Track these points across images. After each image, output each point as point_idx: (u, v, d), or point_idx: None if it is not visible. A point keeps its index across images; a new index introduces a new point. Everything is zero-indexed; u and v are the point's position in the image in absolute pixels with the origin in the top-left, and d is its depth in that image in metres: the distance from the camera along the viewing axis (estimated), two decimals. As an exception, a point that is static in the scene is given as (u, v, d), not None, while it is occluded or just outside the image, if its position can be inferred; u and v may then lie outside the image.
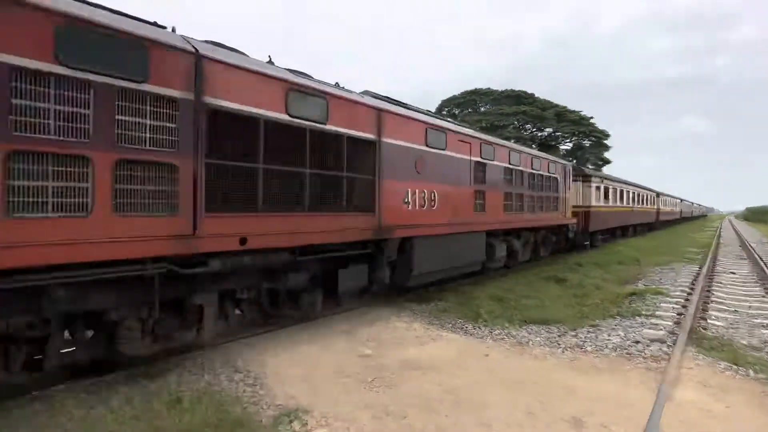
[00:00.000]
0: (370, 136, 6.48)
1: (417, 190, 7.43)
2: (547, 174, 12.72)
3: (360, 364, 4.90)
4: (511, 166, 10.54)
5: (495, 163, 9.84)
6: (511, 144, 11.46)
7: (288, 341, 5.60)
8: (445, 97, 44.60)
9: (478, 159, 9.21)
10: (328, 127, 5.80)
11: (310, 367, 4.73)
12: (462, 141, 8.70)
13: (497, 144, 10.07)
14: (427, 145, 7.69)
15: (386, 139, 6.78)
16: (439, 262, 7.98)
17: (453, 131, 8.50)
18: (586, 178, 17.22)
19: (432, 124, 7.93)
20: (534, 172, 11.78)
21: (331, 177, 5.82)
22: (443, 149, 8.13)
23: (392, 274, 7.28)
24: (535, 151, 12.75)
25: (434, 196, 7.85)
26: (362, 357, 5.14)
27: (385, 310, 7.43)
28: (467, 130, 9.15)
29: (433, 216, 7.79)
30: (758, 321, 7.16)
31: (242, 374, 4.49)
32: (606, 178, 19.47)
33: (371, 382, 4.38)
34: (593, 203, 17.31)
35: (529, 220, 11.47)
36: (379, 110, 6.70)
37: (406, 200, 7.20)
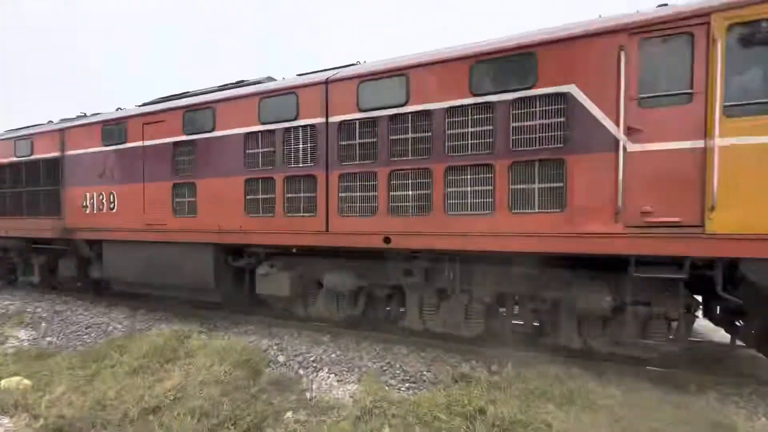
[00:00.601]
0: (57, 154, 7.91)
1: (95, 194, 7.44)
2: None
3: None
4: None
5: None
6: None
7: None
8: None
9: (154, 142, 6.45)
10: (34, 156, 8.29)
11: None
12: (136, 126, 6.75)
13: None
14: (104, 145, 7.30)
15: (69, 152, 7.77)
16: (136, 273, 7.13)
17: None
18: None
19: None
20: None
21: (35, 190, 8.26)
22: (122, 143, 7.07)
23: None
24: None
25: (112, 197, 7.22)
26: None
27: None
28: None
29: (114, 219, 7.23)
30: None
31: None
32: None
33: None
34: None
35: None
36: (62, 131, 7.84)
37: (85, 204, 7.56)
